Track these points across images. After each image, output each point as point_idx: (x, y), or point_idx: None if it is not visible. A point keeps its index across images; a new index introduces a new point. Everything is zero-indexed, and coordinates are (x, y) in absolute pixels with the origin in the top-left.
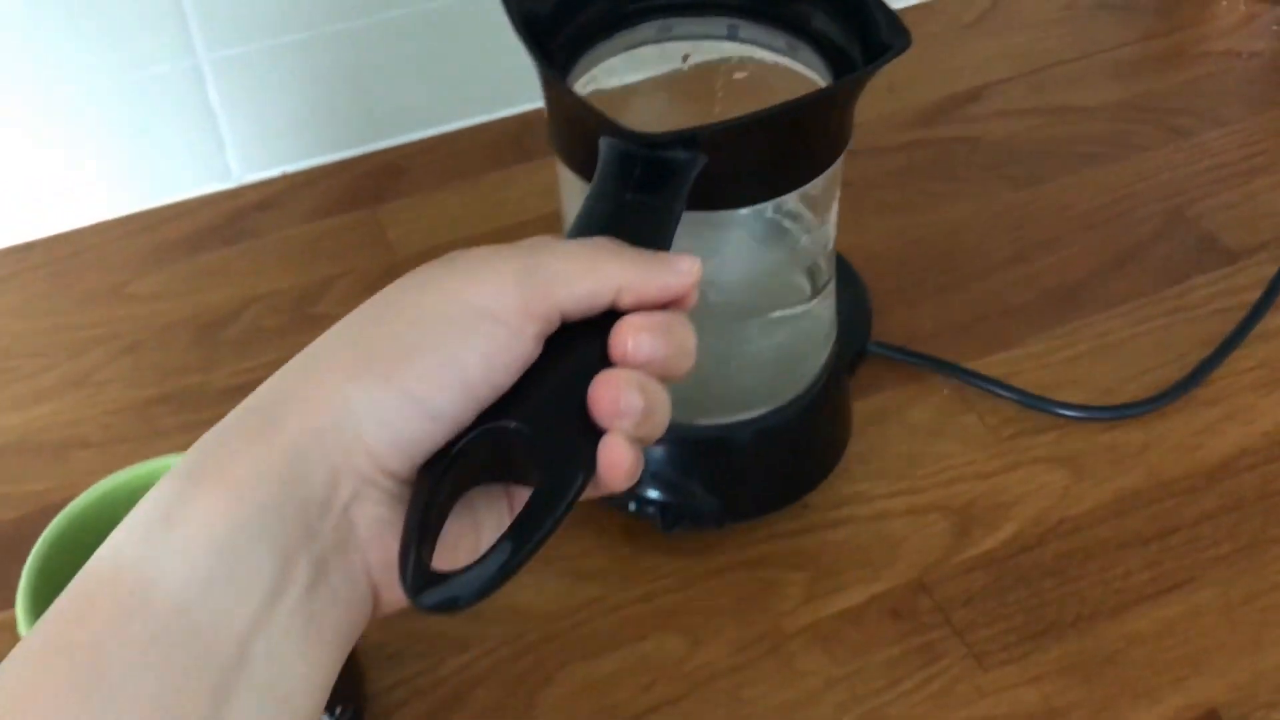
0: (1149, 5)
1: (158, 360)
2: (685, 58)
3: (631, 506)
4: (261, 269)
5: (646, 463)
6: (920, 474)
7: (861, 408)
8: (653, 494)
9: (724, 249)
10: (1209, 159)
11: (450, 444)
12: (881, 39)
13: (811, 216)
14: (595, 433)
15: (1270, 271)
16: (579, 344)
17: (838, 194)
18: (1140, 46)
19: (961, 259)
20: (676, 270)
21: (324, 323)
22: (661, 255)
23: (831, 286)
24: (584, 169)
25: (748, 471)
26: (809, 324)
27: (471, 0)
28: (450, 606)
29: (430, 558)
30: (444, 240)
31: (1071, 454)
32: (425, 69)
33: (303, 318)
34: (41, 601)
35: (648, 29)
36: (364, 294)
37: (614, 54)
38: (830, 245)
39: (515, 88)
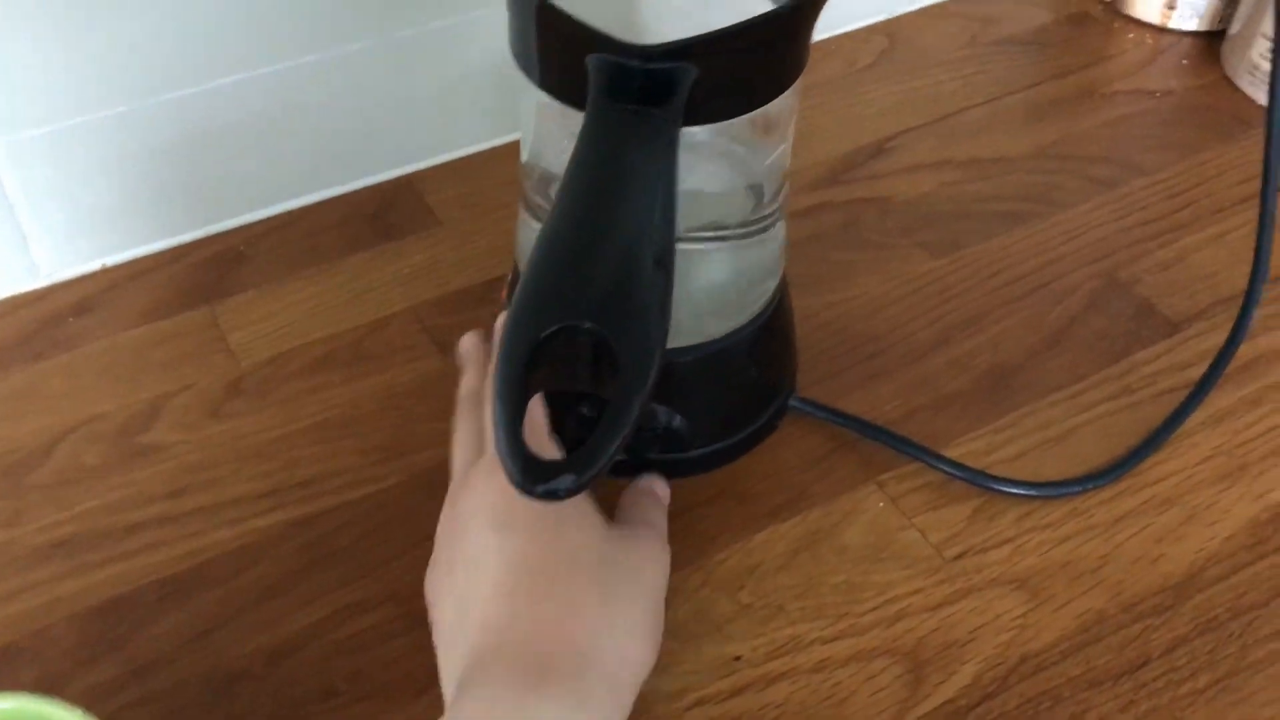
0: (1053, 39)
1: None
2: None
3: None
4: (79, 389)
5: None
6: (861, 609)
7: (788, 524)
8: None
9: (683, 171)
10: (1135, 213)
11: (528, 343)
12: None
13: (765, 141)
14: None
15: (1211, 342)
16: None
17: (794, 118)
18: (1049, 86)
19: (884, 342)
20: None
21: (155, 454)
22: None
23: (783, 221)
24: (567, 92)
25: (707, 394)
26: (760, 251)
27: (314, 64)
28: (566, 493)
29: None
30: (294, 345)
31: (1025, 573)
32: (265, 138)
33: (130, 449)
34: None
35: None
36: (203, 416)
37: None
38: (782, 173)
39: (371, 155)
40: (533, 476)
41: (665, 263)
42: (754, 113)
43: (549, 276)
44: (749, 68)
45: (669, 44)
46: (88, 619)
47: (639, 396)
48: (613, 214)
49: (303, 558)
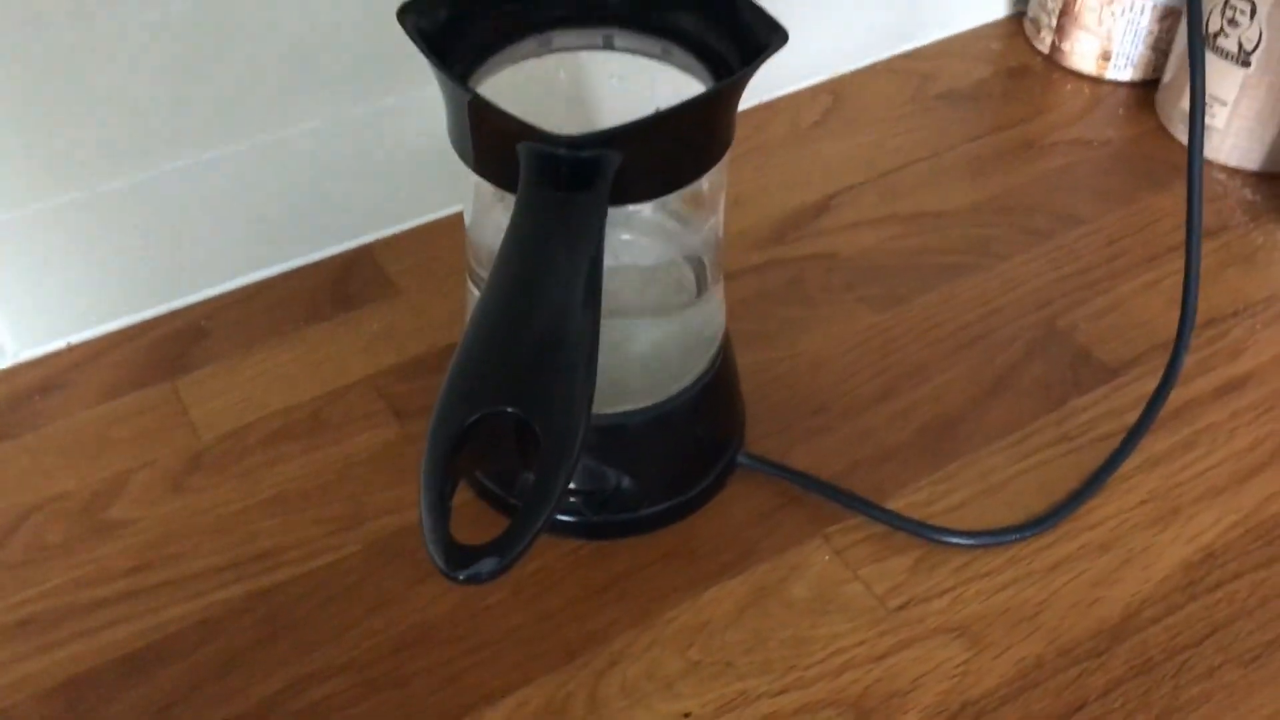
0: (993, 92)
1: None
2: (562, 73)
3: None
4: (43, 468)
5: None
6: (808, 662)
7: (737, 580)
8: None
9: (616, 248)
10: (1072, 263)
11: (453, 430)
12: (756, 38)
13: (697, 215)
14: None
15: (1147, 387)
16: None
17: (724, 192)
18: (990, 139)
19: (828, 396)
20: None
21: (118, 530)
22: None
23: (719, 286)
24: (500, 177)
25: (654, 454)
26: (697, 320)
27: (269, 143)
28: (489, 576)
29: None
30: (255, 417)
31: (965, 622)
32: (223, 215)
33: (94, 526)
34: None
35: (530, 43)
36: (166, 491)
37: (499, 69)
38: (716, 243)
39: (329, 227)
40: (455, 562)
41: (589, 344)
42: (682, 190)
43: (473, 362)
44: (673, 151)
45: (593, 133)
46: (52, 696)
47: (560, 477)
48: (537, 298)
49: (263, 629)
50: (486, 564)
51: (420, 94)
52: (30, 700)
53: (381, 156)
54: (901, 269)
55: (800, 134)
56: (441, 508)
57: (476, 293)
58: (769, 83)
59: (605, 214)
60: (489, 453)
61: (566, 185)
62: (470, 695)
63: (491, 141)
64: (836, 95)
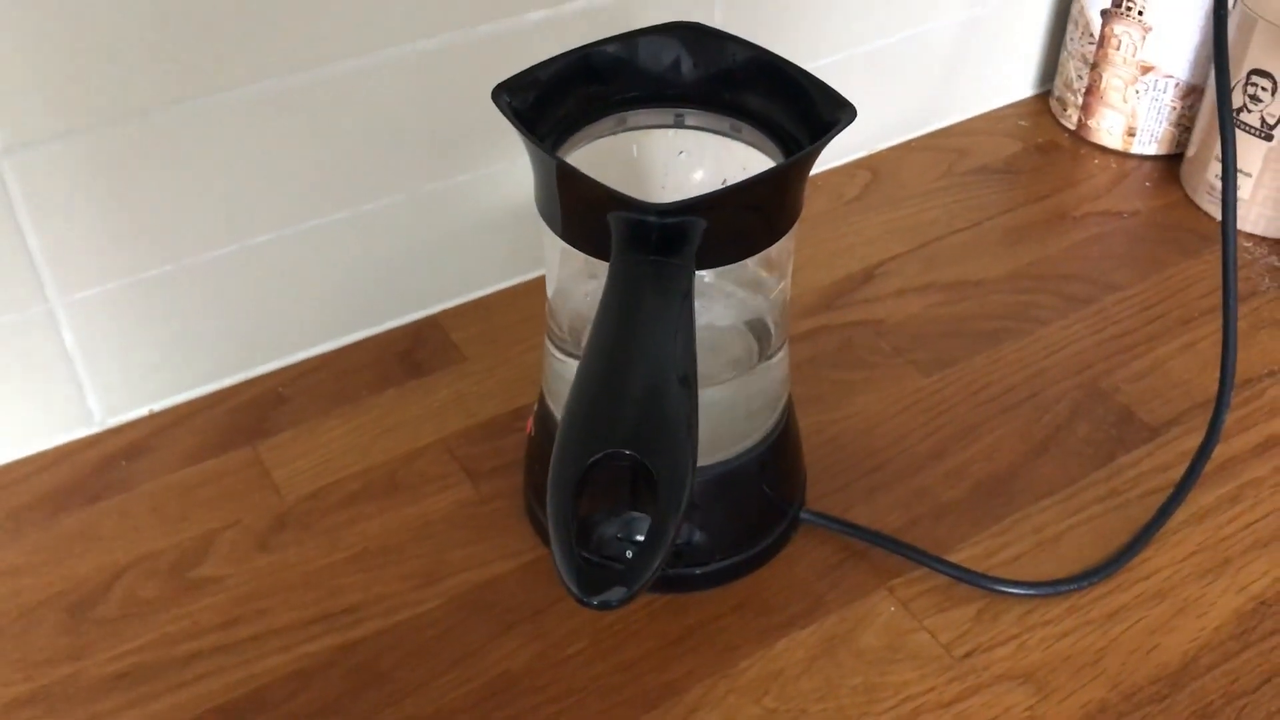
0: (1024, 166)
1: (19, 651)
2: (636, 150)
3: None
4: (133, 528)
5: None
6: (880, 709)
7: (806, 631)
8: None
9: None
10: (1110, 327)
11: (576, 471)
12: (823, 113)
13: (763, 282)
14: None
15: (1189, 444)
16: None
17: (791, 260)
18: (1023, 211)
19: (883, 456)
20: None
21: (208, 587)
22: None
23: (784, 350)
24: (588, 244)
25: (723, 510)
26: (762, 382)
27: (345, 220)
28: (619, 602)
29: None
30: (334, 479)
31: (1029, 669)
32: (299, 288)
33: (184, 584)
34: None
35: (607, 122)
36: (253, 549)
37: (579, 145)
38: (783, 309)
39: (399, 298)
40: (588, 588)
41: (690, 393)
42: (756, 256)
43: (586, 411)
44: (752, 218)
45: (681, 201)
46: None
47: (677, 512)
48: (639, 353)
49: (352, 680)
50: (616, 592)
51: (489, 171)
52: None
53: (450, 231)
54: (946, 334)
55: (842, 208)
56: (571, 539)
57: (556, 352)
58: None
59: (693, 276)
60: (605, 494)
61: (656, 250)
62: None
63: (581, 210)
64: (874, 171)
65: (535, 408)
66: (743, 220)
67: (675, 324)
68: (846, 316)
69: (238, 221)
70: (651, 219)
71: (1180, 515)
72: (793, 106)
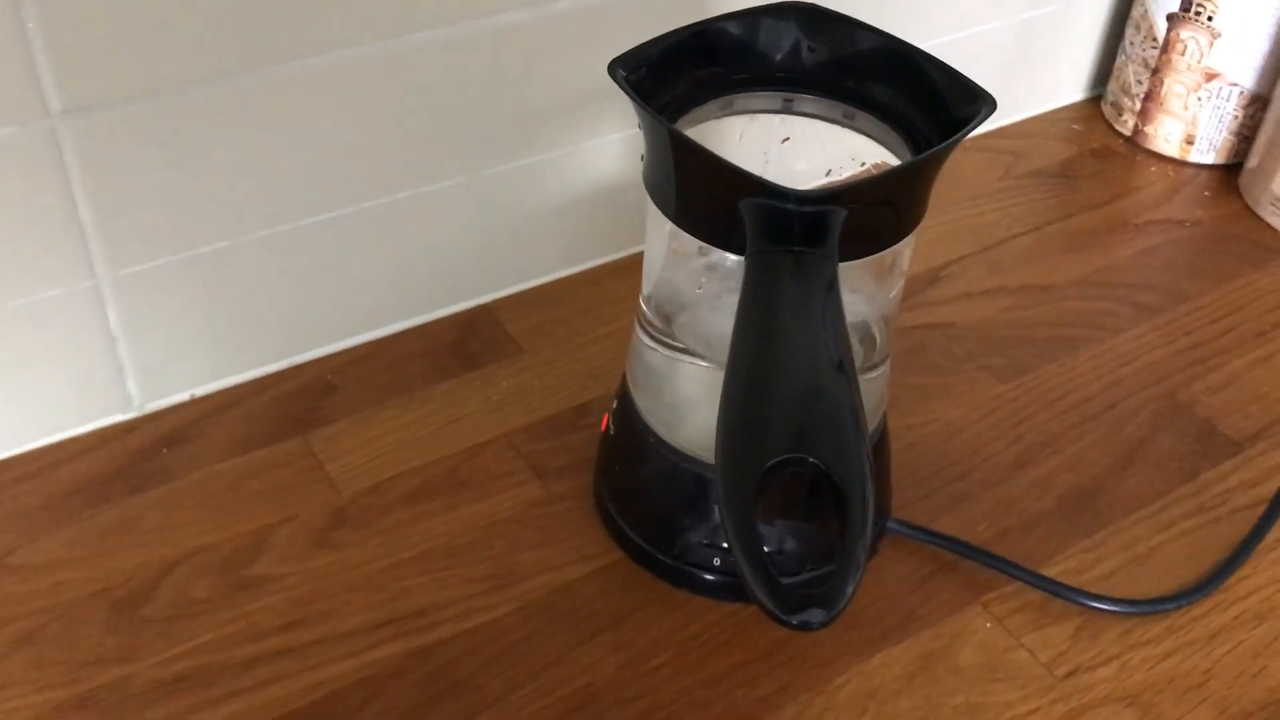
0: (1080, 172)
1: (63, 652)
2: (740, 135)
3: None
4: (180, 521)
5: None
6: None
7: (901, 647)
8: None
9: None
10: (1183, 337)
11: (752, 479)
12: (952, 104)
13: (884, 282)
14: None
15: (1276, 459)
16: None
17: (906, 265)
18: (1084, 217)
19: (966, 464)
20: None
21: (264, 586)
22: None
23: (888, 361)
24: (708, 231)
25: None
26: (873, 385)
27: (402, 201)
28: (820, 625)
29: None
30: (394, 473)
31: (1134, 690)
32: (351, 271)
33: (238, 582)
34: None
35: (713, 105)
36: (311, 547)
37: (686, 129)
38: (890, 316)
39: (452, 286)
40: (787, 608)
41: (853, 395)
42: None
43: (749, 417)
44: (885, 211)
45: (823, 189)
46: None
47: (865, 524)
48: (793, 352)
49: (425, 690)
50: (815, 614)
51: (551, 156)
52: None
53: (508, 217)
54: (1019, 340)
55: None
56: (760, 553)
57: (648, 342)
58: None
59: (836, 268)
60: (776, 504)
61: (799, 241)
62: None
63: (704, 195)
64: None
65: (614, 404)
66: (878, 213)
67: (826, 318)
68: (916, 319)
69: (292, 200)
70: (792, 207)
71: (1276, 532)
72: (919, 95)
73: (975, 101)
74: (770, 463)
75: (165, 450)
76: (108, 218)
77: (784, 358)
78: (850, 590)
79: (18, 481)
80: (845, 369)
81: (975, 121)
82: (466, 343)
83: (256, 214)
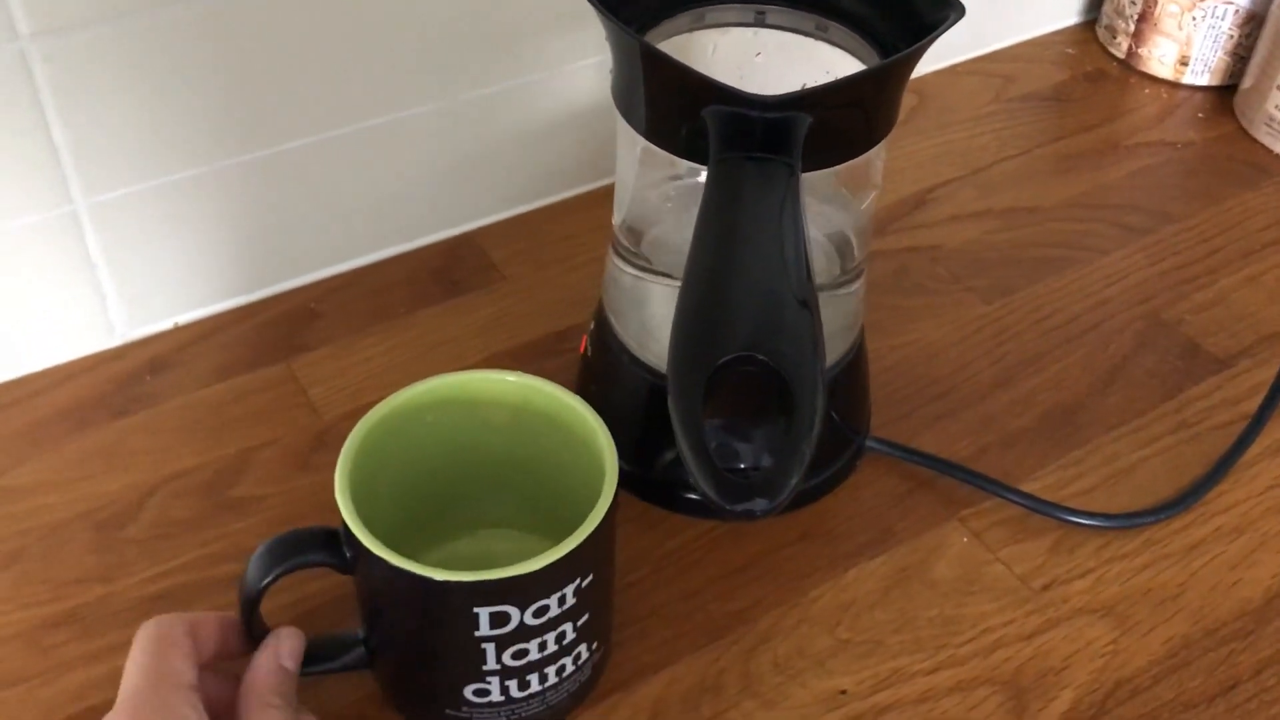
0: (1073, 95)
1: (47, 571)
2: (713, 49)
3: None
4: (162, 445)
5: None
6: (959, 641)
7: (877, 561)
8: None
9: None
10: (1170, 258)
11: (703, 374)
12: (923, 12)
13: (855, 194)
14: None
15: (1261, 377)
16: None
17: (879, 177)
18: (1075, 139)
19: (947, 384)
20: None
21: (247, 506)
22: None
23: (863, 277)
24: (676, 143)
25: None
26: (847, 302)
27: (380, 126)
28: (761, 513)
29: None
30: (375, 397)
31: (1109, 602)
32: (332, 199)
33: (222, 502)
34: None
35: (684, 19)
36: (293, 469)
37: (655, 43)
38: (864, 229)
39: (434, 213)
40: (731, 497)
41: (811, 299)
42: (850, 163)
43: (704, 313)
44: (853, 118)
45: (785, 95)
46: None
47: (813, 421)
48: (752, 256)
49: None
50: (759, 503)
51: (529, 79)
52: None
53: (488, 143)
54: (1004, 261)
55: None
56: (705, 446)
57: (626, 268)
58: None
59: (800, 177)
60: (721, 403)
61: (760, 148)
62: (622, 671)
63: (671, 105)
64: (921, 95)
65: (591, 327)
66: (844, 120)
67: (787, 225)
68: (901, 242)
69: (272, 125)
70: (754, 114)
71: (1255, 449)
72: (889, 4)
73: (944, 8)
74: (722, 359)
75: (149, 377)
76: (82, 142)
77: (742, 260)
78: (794, 480)
79: (1, 409)
80: (805, 273)
81: (943, 27)
82: (449, 270)
83: (233, 140)
